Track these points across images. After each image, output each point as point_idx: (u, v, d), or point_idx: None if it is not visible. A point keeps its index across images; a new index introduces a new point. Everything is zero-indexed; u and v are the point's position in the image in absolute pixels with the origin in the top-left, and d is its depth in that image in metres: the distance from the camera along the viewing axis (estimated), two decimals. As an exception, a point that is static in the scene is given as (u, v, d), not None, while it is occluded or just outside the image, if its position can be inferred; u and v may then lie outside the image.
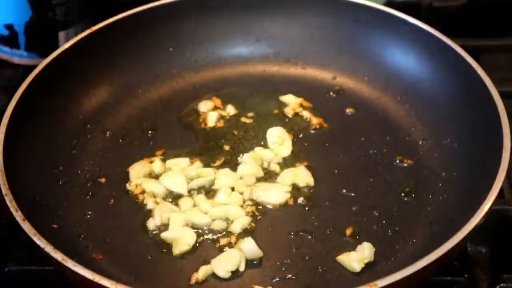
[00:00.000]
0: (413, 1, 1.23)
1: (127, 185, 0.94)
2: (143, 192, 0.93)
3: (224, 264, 0.83)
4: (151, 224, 0.89)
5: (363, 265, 0.83)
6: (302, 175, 0.94)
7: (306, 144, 1.00)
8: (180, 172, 0.95)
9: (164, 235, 0.87)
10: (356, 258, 0.83)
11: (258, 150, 0.98)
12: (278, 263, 0.84)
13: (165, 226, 0.88)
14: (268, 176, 0.95)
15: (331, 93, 1.08)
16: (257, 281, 0.82)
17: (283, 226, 0.89)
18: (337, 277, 0.83)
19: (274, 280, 0.82)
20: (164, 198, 0.92)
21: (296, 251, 0.86)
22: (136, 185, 0.93)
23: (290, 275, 0.83)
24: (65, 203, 0.90)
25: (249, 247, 0.84)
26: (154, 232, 0.88)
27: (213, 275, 0.83)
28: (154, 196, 0.92)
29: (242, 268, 0.84)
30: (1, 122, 0.89)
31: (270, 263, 0.84)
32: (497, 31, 1.22)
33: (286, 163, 0.97)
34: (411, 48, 1.04)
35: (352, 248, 0.85)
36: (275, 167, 0.96)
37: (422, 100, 1.02)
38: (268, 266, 0.84)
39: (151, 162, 0.97)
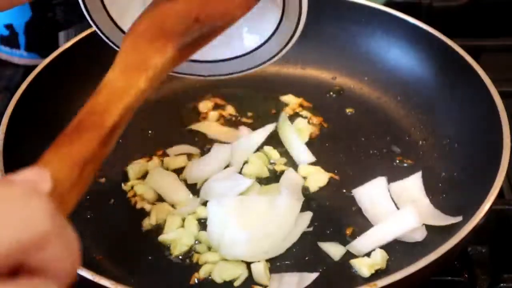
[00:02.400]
0: (413, 1, 1.23)
1: (122, 184, 0.94)
2: (134, 195, 0.93)
3: (225, 273, 0.83)
4: (146, 223, 0.88)
5: (373, 271, 0.82)
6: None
7: (306, 144, 1.00)
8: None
9: (161, 238, 0.87)
10: (367, 263, 0.83)
11: (267, 149, 0.97)
12: (278, 263, 0.84)
13: (161, 226, 0.88)
14: (273, 176, 0.95)
15: (331, 93, 1.08)
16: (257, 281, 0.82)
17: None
18: (337, 277, 0.83)
19: (274, 280, 0.83)
20: (155, 202, 0.92)
21: (296, 251, 0.86)
22: (132, 187, 0.93)
23: (290, 275, 0.83)
24: (65, 203, 0.90)
25: (257, 271, 0.82)
26: (152, 232, 0.88)
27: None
28: (144, 200, 0.92)
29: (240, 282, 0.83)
30: (1, 122, 0.89)
31: (270, 263, 0.84)
32: (497, 31, 1.22)
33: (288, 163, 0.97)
34: (411, 48, 1.05)
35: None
36: (280, 167, 0.96)
37: (422, 100, 1.02)
38: (268, 266, 0.84)
39: (149, 161, 0.97)
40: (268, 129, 0.99)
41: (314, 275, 0.82)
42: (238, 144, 0.97)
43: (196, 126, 1.02)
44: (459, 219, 0.83)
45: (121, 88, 0.60)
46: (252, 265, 0.82)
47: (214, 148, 0.97)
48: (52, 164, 0.53)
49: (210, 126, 1.02)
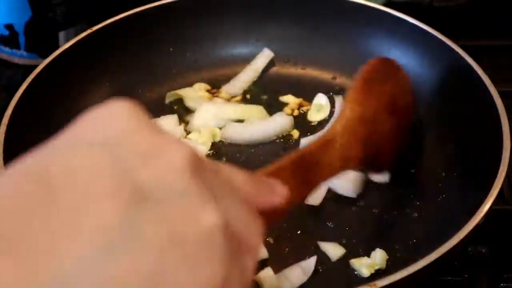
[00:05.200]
0: (413, 1, 1.23)
1: None
2: None
3: None
4: None
5: (373, 271, 0.82)
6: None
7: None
8: None
9: None
10: (367, 263, 0.83)
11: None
12: (278, 264, 0.84)
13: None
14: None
15: (331, 93, 1.07)
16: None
17: (284, 226, 0.89)
18: (337, 277, 0.83)
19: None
20: None
21: (296, 251, 0.86)
22: None
23: (290, 275, 0.83)
24: (65, 203, 0.90)
25: (268, 277, 0.81)
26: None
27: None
28: None
29: None
30: (1, 122, 0.89)
31: (271, 263, 0.84)
32: (497, 31, 1.22)
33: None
34: (411, 48, 1.04)
35: (352, 248, 0.85)
36: None
37: (422, 100, 1.01)
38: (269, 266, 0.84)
39: None
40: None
41: (313, 260, 0.83)
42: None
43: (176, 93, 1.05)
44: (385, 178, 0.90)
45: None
46: (261, 274, 0.81)
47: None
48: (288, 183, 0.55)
49: (191, 93, 1.05)
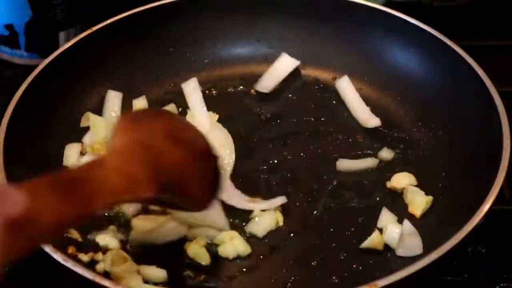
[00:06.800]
0: (413, 1, 1.23)
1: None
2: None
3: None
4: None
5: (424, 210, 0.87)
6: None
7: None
8: None
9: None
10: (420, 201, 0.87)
11: None
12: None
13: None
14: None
15: (331, 93, 1.07)
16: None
17: (284, 226, 0.89)
18: (337, 273, 0.83)
19: (272, 280, 0.83)
20: None
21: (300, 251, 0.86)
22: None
23: (293, 277, 0.83)
24: (65, 203, 0.90)
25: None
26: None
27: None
28: None
29: None
30: (1, 122, 0.89)
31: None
32: (497, 31, 1.22)
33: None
34: (411, 48, 1.05)
35: (356, 242, 0.85)
36: None
37: (422, 100, 1.02)
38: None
39: None
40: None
41: None
42: None
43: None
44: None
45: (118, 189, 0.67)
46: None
47: None
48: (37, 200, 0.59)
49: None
